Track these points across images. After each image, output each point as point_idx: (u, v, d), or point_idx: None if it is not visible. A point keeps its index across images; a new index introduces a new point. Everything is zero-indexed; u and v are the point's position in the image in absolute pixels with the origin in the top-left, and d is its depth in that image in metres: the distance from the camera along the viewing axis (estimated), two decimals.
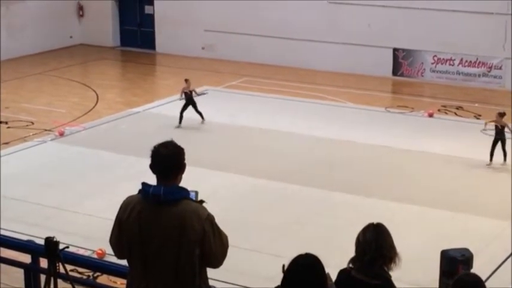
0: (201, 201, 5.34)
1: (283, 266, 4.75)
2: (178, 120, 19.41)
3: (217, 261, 5.35)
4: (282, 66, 26.03)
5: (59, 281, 6.65)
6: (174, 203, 5.22)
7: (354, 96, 22.77)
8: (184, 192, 5.27)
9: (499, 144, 16.63)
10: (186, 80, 19.77)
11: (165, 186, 5.23)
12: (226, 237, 5.38)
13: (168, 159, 5.26)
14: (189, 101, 19.64)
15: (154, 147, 5.30)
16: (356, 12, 25.29)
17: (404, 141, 18.49)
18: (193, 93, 19.75)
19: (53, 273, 6.48)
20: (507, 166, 16.67)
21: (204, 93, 20.09)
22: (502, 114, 16.91)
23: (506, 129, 16.73)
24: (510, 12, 23.15)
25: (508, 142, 16.77)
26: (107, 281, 9.58)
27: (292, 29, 26.31)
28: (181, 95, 19.76)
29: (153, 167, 5.29)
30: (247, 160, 17.28)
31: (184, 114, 19.50)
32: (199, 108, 19.66)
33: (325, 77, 24.94)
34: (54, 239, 6.50)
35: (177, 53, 28.23)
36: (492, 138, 16.77)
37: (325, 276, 4.70)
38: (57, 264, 6.50)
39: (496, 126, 16.82)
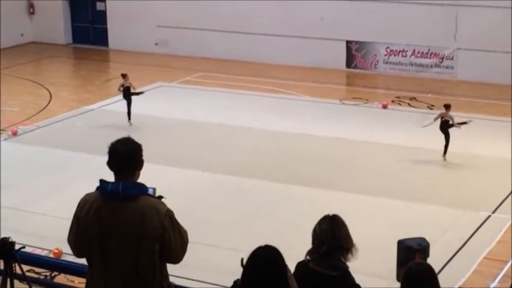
0: (160, 197, 5.33)
1: (242, 259, 4.76)
2: (131, 118, 19.25)
3: (177, 257, 5.34)
4: (236, 60, 26.01)
5: (16, 281, 6.58)
6: (132, 199, 5.20)
7: (308, 89, 22.86)
8: (143, 188, 5.26)
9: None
10: (124, 75, 19.34)
11: (123, 182, 5.21)
12: (185, 232, 5.38)
13: (125, 155, 5.23)
14: (126, 96, 19.21)
15: (112, 143, 5.27)
16: (309, 6, 25.37)
17: (360, 133, 18.63)
18: (132, 88, 19.19)
19: (9, 274, 6.42)
20: (456, 158, 16.86)
21: (142, 93, 19.53)
22: (448, 106, 16.63)
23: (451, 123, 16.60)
24: (459, 3, 23.44)
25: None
26: (64, 280, 9.52)
27: (246, 23, 26.31)
28: (119, 89, 19.38)
29: (110, 163, 5.26)
30: (203, 155, 17.24)
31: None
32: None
33: (279, 70, 24.99)
34: (10, 240, 6.44)
35: (130, 49, 28.01)
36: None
37: (285, 268, 4.72)
38: (14, 265, 6.44)
39: (441, 117, 16.53)
